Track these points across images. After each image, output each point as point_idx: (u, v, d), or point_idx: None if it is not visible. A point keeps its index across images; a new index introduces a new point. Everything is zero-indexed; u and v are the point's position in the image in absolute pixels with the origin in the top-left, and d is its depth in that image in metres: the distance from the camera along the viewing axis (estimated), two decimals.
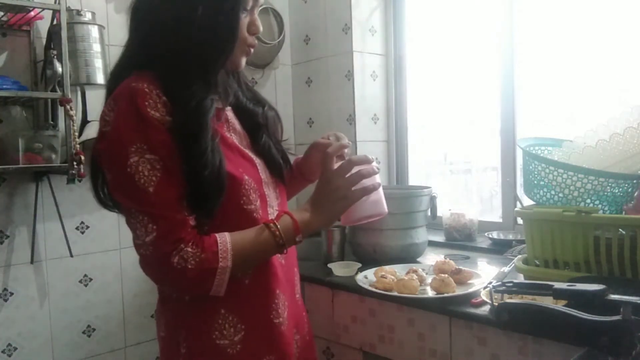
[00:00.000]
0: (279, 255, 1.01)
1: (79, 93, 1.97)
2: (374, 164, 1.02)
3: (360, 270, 1.63)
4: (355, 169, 0.98)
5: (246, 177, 0.96)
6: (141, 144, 0.86)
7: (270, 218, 1.01)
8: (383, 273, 1.50)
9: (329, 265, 1.71)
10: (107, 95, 0.97)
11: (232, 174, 0.93)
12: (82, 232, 2.03)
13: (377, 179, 1.03)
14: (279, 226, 0.94)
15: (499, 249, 1.87)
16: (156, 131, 0.86)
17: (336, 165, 1.01)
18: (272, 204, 1.04)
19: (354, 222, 1.04)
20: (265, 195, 1.02)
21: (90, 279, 2.06)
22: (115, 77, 0.96)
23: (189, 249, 0.86)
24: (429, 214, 1.88)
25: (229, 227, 0.93)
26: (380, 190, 1.04)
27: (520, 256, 1.53)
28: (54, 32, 1.78)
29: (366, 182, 0.99)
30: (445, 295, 1.37)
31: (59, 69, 1.73)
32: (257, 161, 1.04)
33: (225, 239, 0.90)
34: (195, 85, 0.92)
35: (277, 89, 2.56)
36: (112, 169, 0.90)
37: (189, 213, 0.89)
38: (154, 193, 0.85)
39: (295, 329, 1.07)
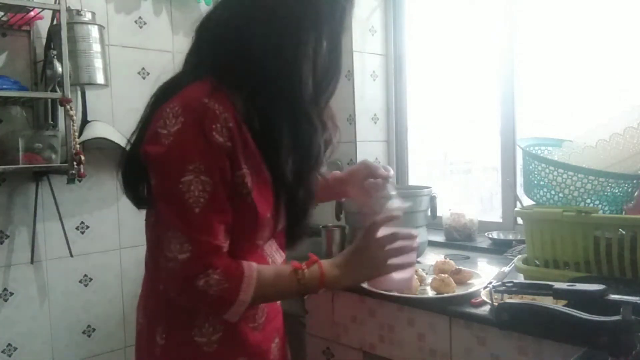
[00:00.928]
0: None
1: (79, 93, 1.97)
2: (417, 240, 1.03)
3: None
4: (397, 244, 0.99)
5: (268, 217, 0.96)
6: (199, 164, 0.85)
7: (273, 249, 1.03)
8: None
9: None
10: (163, 92, 0.94)
11: (261, 216, 0.94)
12: (82, 232, 2.03)
13: (414, 255, 1.03)
14: (306, 275, 0.95)
15: (499, 249, 1.87)
16: (217, 156, 0.86)
17: (380, 233, 1.00)
18: (277, 229, 1.04)
19: (379, 289, 1.06)
20: (276, 229, 1.02)
21: (90, 279, 2.06)
22: (179, 82, 0.94)
23: (216, 276, 0.87)
24: (429, 214, 1.88)
25: (232, 249, 0.94)
26: (413, 268, 1.06)
27: (520, 256, 1.53)
28: (54, 32, 1.78)
29: (402, 258, 1.00)
30: (445, 295, 1.37)
31: (59, 69, 1.73)
32: None
33: (252, 274, 0.90)
34: (305, 124, 0.92)
35: None
36: (162, 179, 0.89)
37: (226, 239, 0.89)
38: (199, 214, 0.85)
39: (275, 333, 1.09)
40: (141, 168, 0.92)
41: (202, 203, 0.85)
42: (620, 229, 1.26)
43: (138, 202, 0.99)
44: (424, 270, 1.55)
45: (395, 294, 1.40)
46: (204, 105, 0.86)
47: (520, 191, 1.84)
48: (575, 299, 0.81)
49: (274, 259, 1.06)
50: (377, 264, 0.98)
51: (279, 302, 1.12)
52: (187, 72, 0.97)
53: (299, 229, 0.95)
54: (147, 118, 0.94)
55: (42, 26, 1.89)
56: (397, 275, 1.02)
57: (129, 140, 0.98)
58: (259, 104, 0.91)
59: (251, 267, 0.91)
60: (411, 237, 1.01)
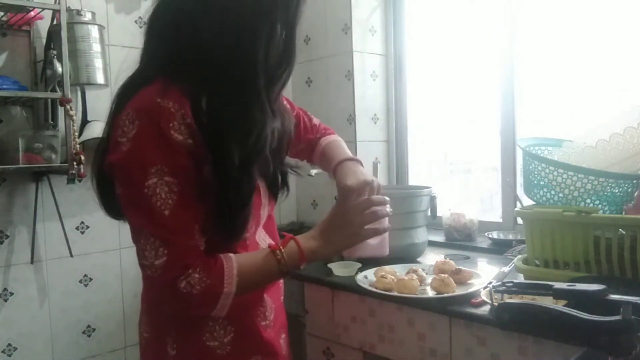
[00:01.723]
0: None
1: (79, 93, 1.97)
2: (388, 206, 1.02)
3: (360, 270, 1.63)
4: (372, 209, 0.98)
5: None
6: (162, 165, 0.83)
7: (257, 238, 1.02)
8: (383, 273, 1.50)
9: (329, 265, 1.71)
10: (120, 97, 0.92)
11: None
12: (82, 232, 2.03)
13: (387, 221, 1.03)
14: (284, 254, 0.93)
15: (499, 249, 1.87)
16: (178, 155, 0.84)
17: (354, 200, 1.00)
18: (262, 222, 1.04)
19: (355, 257, 1.05)
20: (259, 218, 1.01)
21: (90, 279, 2.06)
22: (134, 82, 0.92)
23: (196, 275, 0.85)
24: (429, 214, 1.88)
25: (218, 244, 0.93)
26: (387, 232, 1.06)
27: (520, 256, 1.53)
28: (54, 32, 1.78)
29: (377, 223, 1.00)
30: (445, 295, 1.37)
31: (59, 69, 1.73)
32: (261, 184, 1.01)
33: (231, 264, 0.89)
34: (257, 112, 0.89)
35: None
36: (127, 186, 0.87)
37: (200, 237, 0.88)
38: (169, 217, 0.84)
39: (282, 329, 1.09)
40: (110, 180, 0.90)
41: (171, 205, 0.84)
42: (620, 229, 1.26)
43: (114, 214, 0.97)
44: (424, 270, 1.55)
45: (396, 293, 1.40)
46: (158, 105, 0.84)
47: (520, 191, 1.84)
48: (575, 299, 0.81)
49: None
50: (354, 230, 0.97)
51: (282, 298, 1.12)
52: (140, 73, 0.94)
53: (241, 221, 0.92)
54: (109, 128, 0.91)
55: (42, 26, 1.89)
56: (372, 241, 1.03)
57: (96, 152, 0.96)
58: (209, 95, 0.88)
59: (229, 258, 0.90)
60: (385, 202, 1.01)
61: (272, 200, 1.06)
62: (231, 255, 0.91)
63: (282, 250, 0.93)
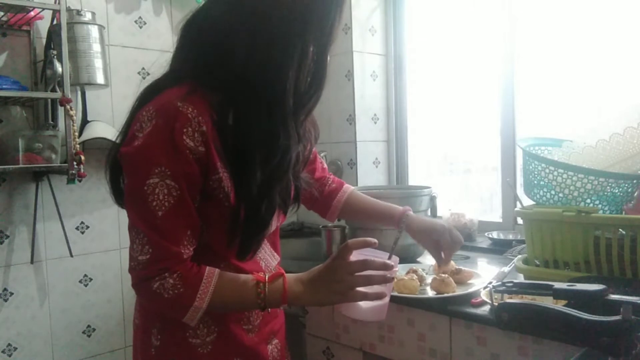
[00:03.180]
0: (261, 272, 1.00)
1: (79, 93, 1.97)
2: (395, 269, 0.97)
3: None
4: (367, 272, 0.93)
5: None
6: (166, 168, 0.84)
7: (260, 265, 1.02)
8: None
9: None
10: (144, 95, 0.92)
11: (241, 220, 0.92)
12: (82, 232, 2.03)
13: (389, 287, 0.99)
14: (267, 289, 0.92)
15: (499, 249, 1.87)
16: (185, 161, 0.85)
17: (353, 257, 0.94)
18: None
19: (346, 316, 1.02)
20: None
21: (90, 279, 2.06)
22: (161, 83, 0.92)
23: (171, 280, 0.86)
24: (429, 214, 1.88)
25: (213, 252, 0.94)
26: (387, 298, 1.00)
27: (520, 256, 1.53)
28: (54, 32, 1.78)
29: (375, 288, 0.95)
30: (445, 295, 1.37)
31: (59, 69, 1.73)
32: None
33: (211, 280, 0.89)
34: (283, 135, 0.89)
35: None
36: (130, 178, 0.89)
37: (190, 244, 0.89)
38: (161, 218, 0.85)
39: (272, 335, 1.08)
40: (121, 169, 0.92)
41: (166, 207, 0.85)
42: (620, 229, 1.26)
43: (122, 203, 0.98)
44: (424, 270, 1.55)
45: (396, 293, 1.40)
46: (176, 109, 0.84)
47: (520, 191, 1.84)
48: (575, 299, 0.81)
49: (268, 263, 1.05)
50: (341, 289, 0.93)
51: None
52: (169, 75, 0.95)
53: (254, 242, 0.93)
54: (129, 122, 0.93)
55: (42, 26, 1.89)
56: (364, 305, 0.98)
57: (114, 143, 0.98)
58: (236, 112, 0.89)
59: (212, 273, 0.90)
60: (386, 267, 0.95)
61: (281, 215, 1.05)
62: (217, 271, 0.91)
63: (267, 284, 0.92)
